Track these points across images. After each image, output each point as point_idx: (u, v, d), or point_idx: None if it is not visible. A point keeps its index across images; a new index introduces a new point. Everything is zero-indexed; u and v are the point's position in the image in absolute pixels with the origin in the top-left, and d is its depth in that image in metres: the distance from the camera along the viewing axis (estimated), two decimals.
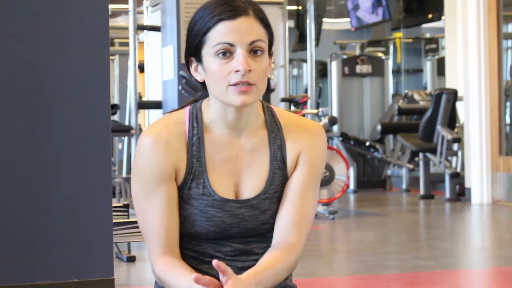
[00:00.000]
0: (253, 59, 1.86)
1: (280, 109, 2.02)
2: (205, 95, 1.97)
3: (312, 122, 2.02)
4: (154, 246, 1.89)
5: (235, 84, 1.84)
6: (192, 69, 1.95)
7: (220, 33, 1.86)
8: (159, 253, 1.89)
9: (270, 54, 1.93)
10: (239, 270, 1.89)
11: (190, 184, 1.90)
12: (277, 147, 1.96)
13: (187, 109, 1.96)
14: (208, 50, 1.88)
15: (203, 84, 1.95)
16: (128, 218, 4.73)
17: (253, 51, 1.87)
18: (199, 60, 1.91)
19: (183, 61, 7.94)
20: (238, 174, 1.93)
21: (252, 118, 1.94)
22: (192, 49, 1.91)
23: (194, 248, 1.93)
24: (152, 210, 1.89)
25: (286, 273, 1.90)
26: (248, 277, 1.78)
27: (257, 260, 1.91)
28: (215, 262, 1.71)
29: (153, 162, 1.88)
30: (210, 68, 1.88)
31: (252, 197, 1.92)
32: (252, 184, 1.93)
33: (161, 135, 1.90)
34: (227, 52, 1.86)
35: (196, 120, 1.93)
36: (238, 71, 1.84)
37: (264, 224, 1.93)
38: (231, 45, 1.85)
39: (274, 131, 1.97)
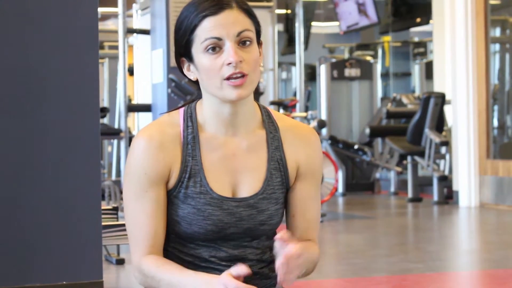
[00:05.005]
0: (243, 50, 1.87)
1: (275, 111, 2.03)
2: (200, 96, 1.98)
3: (307, 127, 2.04)
4: (141, 246, 1.92)
5: (228, 78, 1.85)
6: (184, 69, 1.96)
7: (206, 29, 1.87)
8: (146, 253, 1.92)
9: (260, 43, 1.94)
10: None
11: (187, 183, 1.90)
12: (275, 147, 1.97)
13: (181, 110, 1.97)
14: (198, 48, 1.89)
15: (197, 83, 1.97)
16: (117, 220, 4.74)
17: (241, 42, 1.88)
18: (190, 59, 1.92)
19: (172, 64, 7.97)
20: (235, 173, 1.94)
21: (248, 116, 1.95)
22: (182, 49, 1.93)
23: (189, 252, 1.93)
24: (143, 211, 1.90)
25: (313, 265, 1.98)
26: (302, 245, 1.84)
27: (251, 266, 1.92)
28: (278, 235, 1.76)
29: (147, 164, 1.89)
30: (202, 65, 1.89)
31: (250, 196, 1.93)
32: (249, 184, 1.94)
33: (155, 136, 1.91)
34: (216, 47, 1.87)
35: (190, 119, 1.94)
36: (229, 63, 1.85)
37: (262, 224, 1.94)
38: (219, 39, 1.86)
39: (272, 132, 1.98)
